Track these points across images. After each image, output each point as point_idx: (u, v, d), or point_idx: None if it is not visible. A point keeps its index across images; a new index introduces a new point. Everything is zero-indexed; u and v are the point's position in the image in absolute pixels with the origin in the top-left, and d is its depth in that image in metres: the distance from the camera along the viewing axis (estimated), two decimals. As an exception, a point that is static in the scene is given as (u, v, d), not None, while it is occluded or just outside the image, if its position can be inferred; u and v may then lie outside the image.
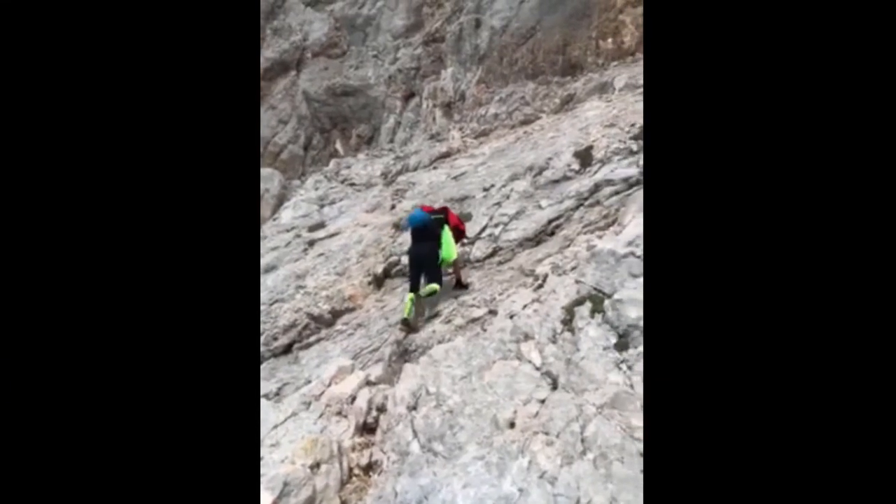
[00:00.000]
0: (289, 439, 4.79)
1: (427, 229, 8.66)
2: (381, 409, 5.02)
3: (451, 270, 9.14)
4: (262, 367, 10.46)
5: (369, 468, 4.23)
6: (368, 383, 5.40)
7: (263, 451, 4.67)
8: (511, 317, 5.74)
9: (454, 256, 8.71)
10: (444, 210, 9.34)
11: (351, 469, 4.20)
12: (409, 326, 8.15)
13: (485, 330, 5.73)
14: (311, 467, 3.94)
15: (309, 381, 7.89)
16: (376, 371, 5.75)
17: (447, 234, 8.79)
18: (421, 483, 3.64)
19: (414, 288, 8.57)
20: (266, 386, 9.31)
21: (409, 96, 18.42)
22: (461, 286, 9.02)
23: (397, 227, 12.48)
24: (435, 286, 8.22)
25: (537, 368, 4.62)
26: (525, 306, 5.93)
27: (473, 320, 8.02)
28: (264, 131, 19.44)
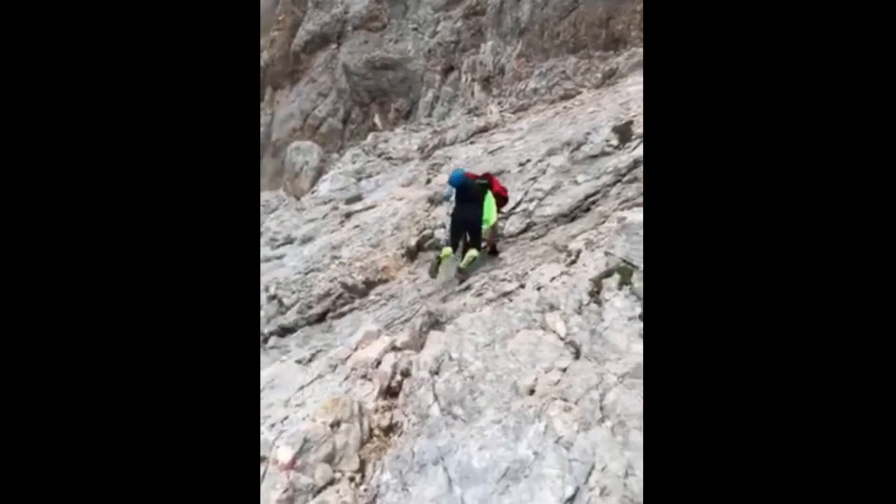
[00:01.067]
0: (314, 400, 4.88)
1: (471, 191, 8.79)
2: (406, 374, 5.07)
3: (487, 237, 9.22)
4: (296, 334, 10.64)
5: (390, 429, 4.28)
6: (394, 349, 5.45)
7: (288, 411, 4.77)
8: (538, 288, 5.71)
9: (493, 220, 8.82)
10: (487, 176, 9.41)
11: (371, 429, 4.25)
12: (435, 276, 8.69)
13: (511, 300, 5.71)
14: (332, 425, 4.00)
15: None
16: (402, 337, 5.79)
17: (490, 199, 8.86)
18: (438, 444, 3.67)
19: (454, 246, 8.87)
20: (299, 353, 9.47)
21: (448, 70, 18.31)
22: (494, 252, 9.26)
23: (432, 201, 12.49)
24: (475, 252, 8.58)
25: (561, 338, 4.59)
26: (553, 278, 5.88)
27: (504, 294, 8.07)
28: (304, 104, 19.59)
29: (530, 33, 17.14)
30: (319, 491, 3.68)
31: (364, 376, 5.15)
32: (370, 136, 17.57)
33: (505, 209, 10.68)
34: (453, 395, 4.18)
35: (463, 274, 8.74)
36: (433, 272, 8.93)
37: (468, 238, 8.85)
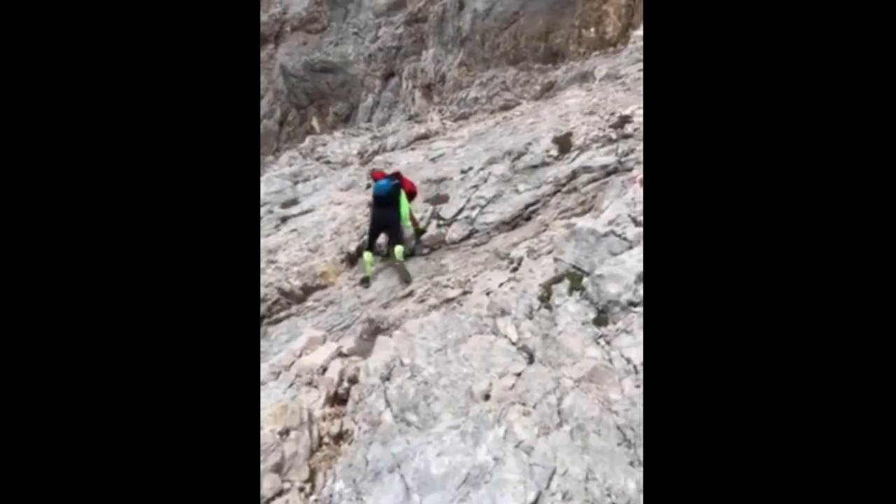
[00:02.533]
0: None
1: (389, 196, 9.50)
2: (353, 381, 4.94)
3: (409, 225, 9.91)
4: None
5: (340, 437, 4.14)
6: (340, 355, 5.31)
7: (230, 419, 4.56)
8: (487, 293, 5.69)
9: (408, 217, 9.70)
10: (398, 175, 10.12)
11: (321, 437, 4.10)
12: (369, 284, 9.34)
13: (461, 305, 5.67)
14: (281, 434, 3.84)
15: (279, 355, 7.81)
16: (348, 343, 5.66)
17: (403, 198, 9.65)
18: (393, 451, 3.57)
19: (370, 248, 9.56)
20: (233, 360, 9.12)
21: (388, 76, 18.22)
22: (421, 232, 10.14)
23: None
24: (401, 247, 9.35)
25: (513, 343, 4.58)
26: (501, 284, 5.88)
27: (447, 300, 8.08)
28: (239, 105, 19.04)
29: (471, 43, 17.30)
30: (269, 502, 3.51)
31: (309, 383, 4.99)
32: (308, 140, 17.25)
33: (447, 216, 10.80)
34: (406, 401, 4.09)
35: (401, 267, 9.31)
36: (368, 272, 9.50)
37: (388, 240, 9.63)
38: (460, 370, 4.28)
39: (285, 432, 3.81)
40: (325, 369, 5.08)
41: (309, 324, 9.59)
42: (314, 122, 18.78)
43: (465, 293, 7.89)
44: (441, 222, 11.31)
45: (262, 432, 3.74)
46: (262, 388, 5.08)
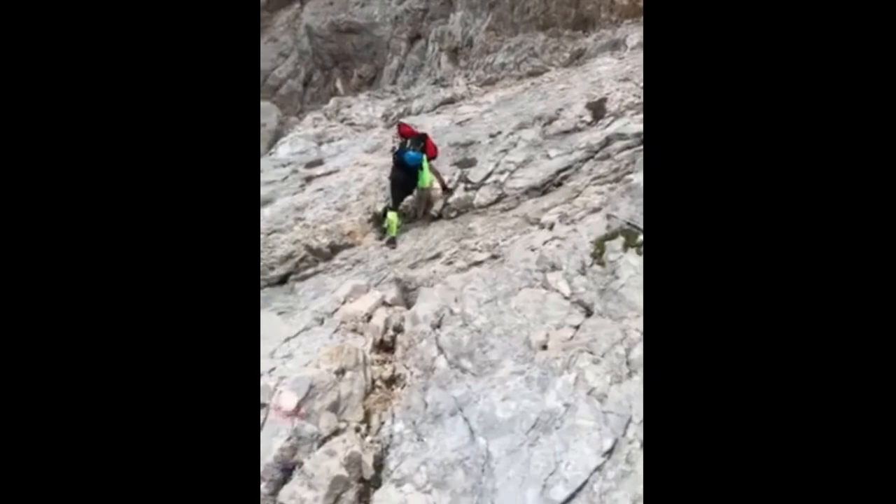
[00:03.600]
0: (303, 351, 4.60)
1: (417, 166, 9.53)
2: (399, 330, 4.85)
3: (436, 187, 9.96)
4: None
5: (392, 381, 4.06)
6: (384, 304, 5.21)
7: (275, 362, 4.47)
8: (532, 249, 5.55)
9: (426, 184, 9.73)
10: (424, 136, 10.09)
11: (373, 381, 4.02)
12: (395, 244, 9.35)
13: (503, 261, 5.54)
14: (337, 373, 3.75)
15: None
16: (391, 293, 5.54)
17: (426, 167, 9.62)
18: (454, 394, 3.48)
19: (395, 208, 9.58)
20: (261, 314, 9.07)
21: (414, 38, 17.86)
22: (447, 190, 10.04)
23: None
24: (392, 217, 9.47)
25: (566, 298, 4.46)
26: (546, 242, 5.74)
27: (476, 263, 8.00)
28: (264, 64, 18.78)
29: (500, 7, 16.90)
30: (325, 440, 3.43)
31: (354, 330, 4.90)
32: (332, 101, 16.98)
33: (475, 179, 10.61)
34: (460, 348, 3.99)
35: (392, 243, 9.39)
36: (391, 241, 9.50)
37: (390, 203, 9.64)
38: (514, 321, 4.17)
39: (341, 372, 3.73)
40: (370, 317, 4.98)
41: (336, 281, 9.51)
42: (338, 84, 18.51)
43: (493, 257, 7.82)
44: (468, 185, 11.12)
45: (318, 370, 3.66)
46: (305, 332, 5.01)
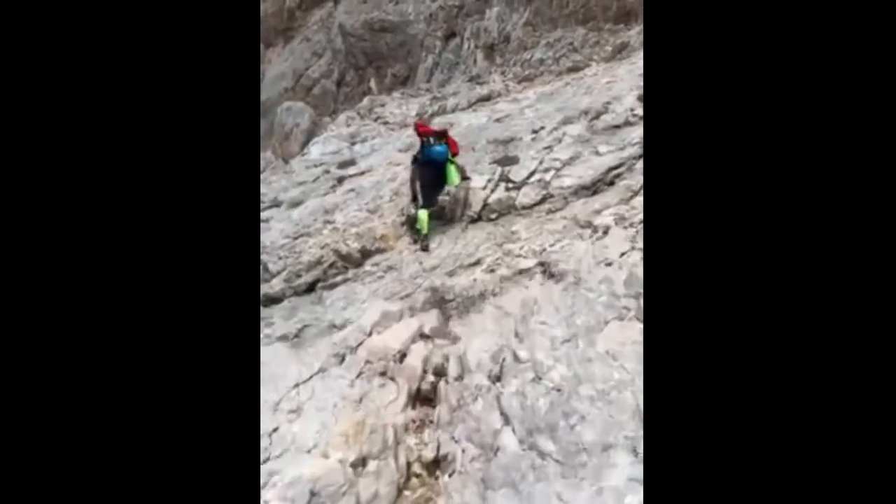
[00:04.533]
0: (315, 405, 3.25)
1: (444, 161, 8.69)
2: (441, 374, 3.46)
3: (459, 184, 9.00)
4: (282, 305, 9.07)
5: (435, 465, 2.66)
6: (422, 336, 3.82)
7: (278, 421, 3.10)
8: (608, 264, 4.09)
9: (457, 182, 8.80)
10: (445, 133, 9.12)
11: (409, 465, 2.63)
12: (428, 245, 8.40)
13: (577, 280, 4.07)
14: (355, 465, 2.37)
15: (334, 326, 6.49)
16: (429, 321, 4.14)
17: (452, 168, 8.79)
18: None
19: (426, 205, 8.63)
20: (285, 326, 7.94)
21: (449, 36, 16.44)
22: (465, 178, 9.07)
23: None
24: (423, 214, 8.55)
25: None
26: (624, 254, 4.28)
27: (521, 272, 6.88)
28: (297, 64, 17.57)
29: (538, 2, 15.42)
30: None
31: (383, 373, 3.53)
32: (366, 100, 15.70)
33: (517, 178, 9.40)
34: (536, 418, 2.57)
35: (426, 242, 8.49)
36: (424, 240, 8.55)
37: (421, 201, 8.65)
38: (608, 373, 2.72)
39: (361, 463, 2.33)
40: (403, 355, 3.62)
41: (367, 290, 8.33)
42: (372, 84, 17.18)
43: (540, 264, 6.66)
44: (510, 185, 9.92)
45: (326, 464, 2.27)
46: (321, 375, 3.65)
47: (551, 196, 9.20)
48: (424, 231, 8.44)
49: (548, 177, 9.55)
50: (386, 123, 14.59)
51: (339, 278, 8.95)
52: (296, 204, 12.05)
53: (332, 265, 9.12)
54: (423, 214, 8.50)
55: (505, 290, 6.39)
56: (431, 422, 3.14)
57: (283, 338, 7.29)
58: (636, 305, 3.27)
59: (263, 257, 9.56)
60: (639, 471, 2.06)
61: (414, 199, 8.81)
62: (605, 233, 6.38)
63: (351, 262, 9.14)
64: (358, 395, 3.31)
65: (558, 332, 3.18)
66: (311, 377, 3.56)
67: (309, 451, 2.56)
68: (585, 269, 4.30)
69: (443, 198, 9.05)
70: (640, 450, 2.16)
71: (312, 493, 2.25)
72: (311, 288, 8.99)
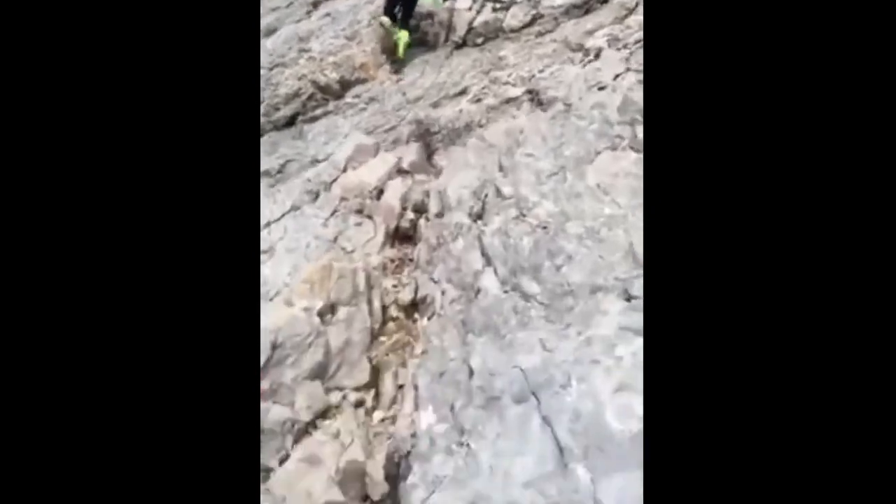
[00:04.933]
0: (286, 246, 2.98)
1: None
2: (421, 210, 3.17)
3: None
4: (263, 140, 8.59)
5: (414, 307, 2.45)
6: (400, 172, 3.48)
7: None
8: (601, 87, 3.64)
9: (440, 3, 7.91)
10: None
11: (385, 309, 2.42)
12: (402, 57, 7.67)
13: (567, 108, 3.63)
14: (321, 313, 2.15)
15: (317, 161, 6.13)
16: (409, 155, 3.76)
17: None
18: (519, 360, 1.86)
19: (406, 23, 7.74)
20: (267, 161, 7.54)
21: None
22: None
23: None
24: (404, 35, 7.69)
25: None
26: (618, 75, 3.80)
27: (508, 100, 6.41)
28: None
29: None
30: (306, 431, 1.91)
31: (360, 211, 3.23)
32: None
33: (505, -1, 8.47)
34: (519, 258, 2.31)
35: (399, 64, 7.69)
36: (396, 64, 7.85)
37: (400, 14, 7.64)
38: (599, 209, 2.43)
39: (330, 310, 2.10)
40: (380, 192, 3.31)
41: (349, 123, 7.84)
42: None
43: (528, 91, 6.18)
44: (497, 5, 9.03)
45: (290, 312, 2.04)
46: (293, 214, 3.37)
47: (541, 17, 8.40)
48: (400, 54, 7.80)
49: (537, -6, 8.66)
50: (362, -62, 12.93)
51: (319, 111, 8.40)
52: (269, 32, 11.01)
53: (310, 97, 8.51)
54: (402, 33, 7.75)
55: (492, 121, 6.02)
56: (411, 260, 2.90)
57: (266, 174, 6.92)
58: (630, 134, 2.89)
59: (239, 91, 8.89)
60: (630, 319, 1.85)
61: (389, 8, 7.77)
62: (598, 56, 5.88)
63: (330, 93, 8.53)
64: (332, 234, 3.05)
65: (545, 164, 2.84)
66: (282, 216, 3.27)
67: (271, 300, 2.35)
68: (576, 94, 3.84)
69: (424, 21, 8.20)
70: (633, 293, 1.93)
71: (274, 346, 2.07)
72: (290, 122, 8.48)
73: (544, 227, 2.50)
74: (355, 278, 2.43)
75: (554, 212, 2.58)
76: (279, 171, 7.10)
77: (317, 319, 2.25)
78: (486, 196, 2.84)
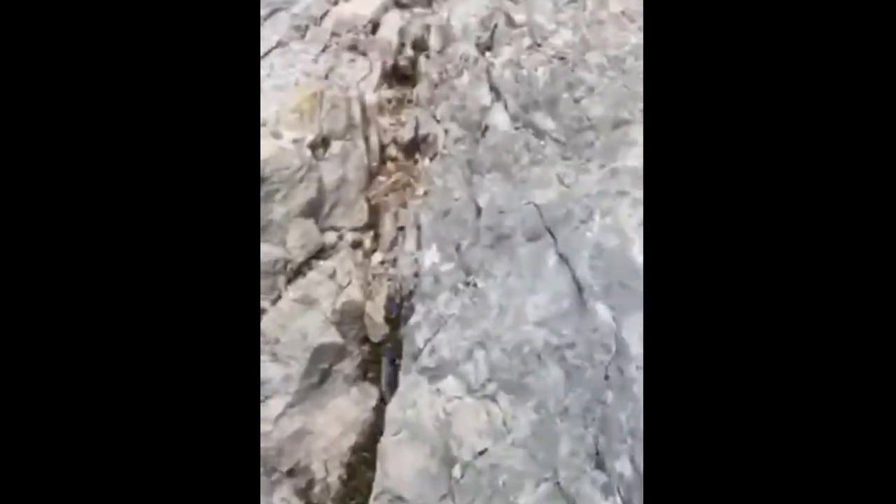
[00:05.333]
0: (273, 84, 2.64)
1: None
2: (420, 47, 2.82)
3: None
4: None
5: (414, 147, 2.19)
6: (397, 4, 3.05)
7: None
8: None
9: None
10: None
11: (383, 147, 2.16)
12: None
13: None
14: (314, 146, 1.88)
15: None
16: None
17: None
18: (532, 195, 1.63)
19: None
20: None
21: None
22: None
23: None
24: None
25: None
26: None
27: None
28: None
29: None
30: (299, 271, 1.73)
31: (353, 48, 2.87)
32: None
33: None
34: (533, 91, 2.02)
35: None
36: None
37: None
38: (624, 37, 2.10)
39: (322, 143, 1.84)
40: (375, 26, 2.93)
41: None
42: None
43: None
44: None
45: (277, 145, 1.78)
46: (280, 50, 3.01)
47: None
48: None
49: None
50: None
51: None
52: None
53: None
54: None
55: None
56: (410, 101, 2.59)
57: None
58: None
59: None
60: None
61: None
62: None
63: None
64: (323, 70, 2.70)
65: (563, -11, 2.44)
66: (268, 52, 2.90)
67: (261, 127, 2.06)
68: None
69: None
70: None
71: (262, 178, 1.82)
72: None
73: (562, 58, 2.17)
74: (349, 109, 2.13)
75: (573, 41, 2.23)
76: (269, 17, 6.46)
77: (308, 152, 1.98)
78: (495, 25, 2.45)
